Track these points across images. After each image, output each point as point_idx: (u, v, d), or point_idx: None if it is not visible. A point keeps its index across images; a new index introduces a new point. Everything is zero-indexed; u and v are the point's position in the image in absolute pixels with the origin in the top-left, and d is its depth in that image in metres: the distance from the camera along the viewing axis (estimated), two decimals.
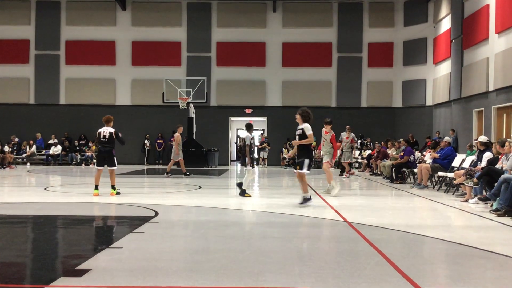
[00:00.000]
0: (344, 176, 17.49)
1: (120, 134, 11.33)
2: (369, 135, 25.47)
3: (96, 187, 11.09)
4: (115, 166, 11.13)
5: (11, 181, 15.99)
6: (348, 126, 18.32)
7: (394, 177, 15.53)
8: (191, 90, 24.10)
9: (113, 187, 11.16)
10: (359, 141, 25.15)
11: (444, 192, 12.46)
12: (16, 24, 26.73)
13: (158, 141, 26.28)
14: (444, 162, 13.31)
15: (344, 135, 17.81)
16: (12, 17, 26.74)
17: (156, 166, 25.13)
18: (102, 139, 11.10)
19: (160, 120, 26.39)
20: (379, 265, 5.02)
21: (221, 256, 5.36)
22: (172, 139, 18.10)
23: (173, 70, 26.45)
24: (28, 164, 24.93)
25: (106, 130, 11.16)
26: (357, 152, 24.19)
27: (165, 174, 17.22)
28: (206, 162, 23.67)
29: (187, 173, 17.48)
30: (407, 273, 4.68)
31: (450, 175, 12.42)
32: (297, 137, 9.56)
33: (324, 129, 12.73)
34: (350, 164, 18.44)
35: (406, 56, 26.15)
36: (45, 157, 25.51)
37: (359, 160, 23.26)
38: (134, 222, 8.07)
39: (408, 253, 5.77)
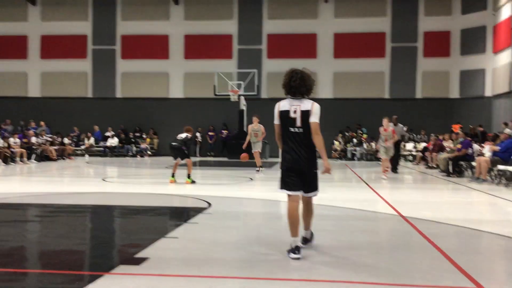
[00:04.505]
0: (384, 176, 13.86)
1: (188, 139, 12.16)
2: (425, 127, 24.80)
3: (173, 175, 12.19)
4: (187, 158, 12.07)
5: (71, 172, 16.66)
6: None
7: (450, 171, 15.07)
8: (242, 82, 24.24)
9: (188, 176, 12.08)
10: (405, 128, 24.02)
11: (504, 186, 11.99)
12: (75, 20, 27.70)
13: (210, 133, 26.62)
14: (504, 155, 12.79)
15: (386, 124, 14.26)
16: (71, 14, 27.73)
17: (208, 158, 25.47)
18: (177, 138, 12.12)
19: (211, 112, 26.69)
20: (436, 260, 4.90)
21: (275, 248, 5.38)
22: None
23: (224, 63, 26.65)
24: (87, 155, 25.87)
25: (182, 134, 12.18)
26: (411, 144, 23.63)
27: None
28: None
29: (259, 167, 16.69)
30: (466, 269, 4.55)
31: (511, 168, 11.94)
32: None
33: None
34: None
35: (464, 45, 25.22)
36: (102, 149, 26.37)
37: (414, 153, 22.72)
38: (189, 213, 8.24)
39: (465, 249, 5.60)
